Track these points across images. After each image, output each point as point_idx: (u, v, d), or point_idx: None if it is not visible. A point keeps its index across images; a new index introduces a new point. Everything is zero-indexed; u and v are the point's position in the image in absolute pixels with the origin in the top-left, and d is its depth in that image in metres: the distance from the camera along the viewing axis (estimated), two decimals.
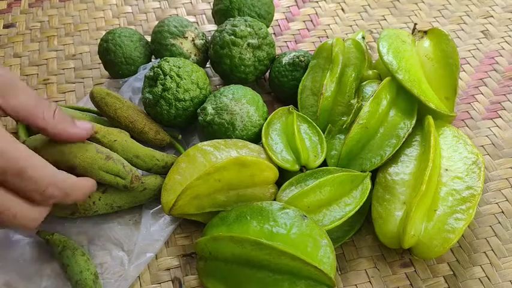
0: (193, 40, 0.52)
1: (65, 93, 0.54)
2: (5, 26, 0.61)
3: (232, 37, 0.49)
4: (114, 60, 0.51)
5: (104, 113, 0.47)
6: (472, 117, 0.52)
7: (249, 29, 0.49)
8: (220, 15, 0.55)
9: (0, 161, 0.31)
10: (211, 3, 0.58)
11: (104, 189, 0.42)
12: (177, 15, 0.62)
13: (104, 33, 0.56)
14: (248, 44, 0.49)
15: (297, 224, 0.37)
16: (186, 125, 0.48)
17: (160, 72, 0.46)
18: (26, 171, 0.32)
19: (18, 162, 0.32)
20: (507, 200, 0.46)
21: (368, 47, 0.56)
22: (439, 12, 0.63)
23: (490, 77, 0.56)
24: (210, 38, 0.53)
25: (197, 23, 0.62)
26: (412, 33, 0.51)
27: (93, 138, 0.42)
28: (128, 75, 0.52)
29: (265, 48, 0.50)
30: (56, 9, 0.63)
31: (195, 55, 0.52)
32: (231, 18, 0.51)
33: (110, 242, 0.42)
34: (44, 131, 0.37)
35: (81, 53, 0.58)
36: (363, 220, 0.43)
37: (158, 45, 0.51)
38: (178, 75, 0.46)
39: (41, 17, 0.62)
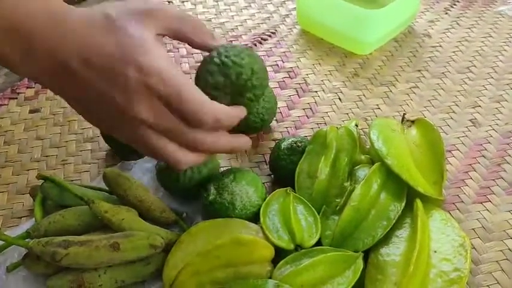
0: None
1: (80, 173, 0.58)
2: (31, 111, 0.67)
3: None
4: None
5: (114, 192, 0.50)
6: (462, 201, 0.55)
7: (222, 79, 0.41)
8: None
9: (163, 87, 0.36)
10: None
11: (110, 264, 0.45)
12: None
13: None
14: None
15: None
16: (197, 192, 0.51)
17: None
18: (182, 95, 0.36)
19: (178, 87, 0.36)
20: (498, 282, 0.47)
21: (362, 133, 0.61)
22: (429, 102, 0.68)
23: (479, 162, 0.59)
24: None
25: None
26: (402, 122, 0.56)
27: (103, 217, 0.46)
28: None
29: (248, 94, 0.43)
30: None
31: None
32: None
33: None
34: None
35: (98, 136, 0.63)
36: None
37: None
38: None
39: (65, 103, 0.68)
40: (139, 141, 0.39)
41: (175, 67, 0.37)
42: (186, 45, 0.78)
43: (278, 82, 0.72)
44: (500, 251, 0.50)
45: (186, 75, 0.37)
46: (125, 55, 0.35)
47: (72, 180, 0.57)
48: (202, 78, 0.41)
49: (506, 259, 0.49)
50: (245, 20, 0.86)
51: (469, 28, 0.82)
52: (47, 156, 0.61)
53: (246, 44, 0.79)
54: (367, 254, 0.46)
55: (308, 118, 0.66)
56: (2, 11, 0.35)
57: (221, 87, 0.41)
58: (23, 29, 0.35)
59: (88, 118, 0.41)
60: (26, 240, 0.46)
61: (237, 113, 0.41)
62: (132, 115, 0.37)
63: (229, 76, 0.41)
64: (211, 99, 0.39)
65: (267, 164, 0.59)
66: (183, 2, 0.91)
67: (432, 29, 0.82)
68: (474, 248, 0.50)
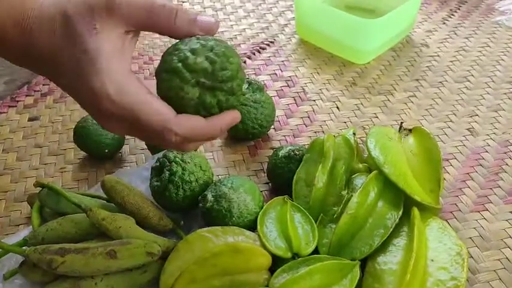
0: None
1: (78, 180, 0.58)
2: (30, 119, 0.68)
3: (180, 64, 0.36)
4: None
5: (112, 200, 0.50)
6: (460, 210, 0.55)
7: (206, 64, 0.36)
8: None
9: (116, 111, 0.35)
10: None
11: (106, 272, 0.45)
12: None
13: None
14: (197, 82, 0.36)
15: None
16: (192, 208, 0.52)
17: (166, 160, 0.51)
18: (139, 120, 0.35)
19: (132, 111, 0.35)
20: None
21: (360, 142, 0.61)
22: (427, 111, 0.68)
23: (476, 171, 0.59)
24: None
25: None
26: (399, 130, 0.56)
27: (100, 225, 0.46)
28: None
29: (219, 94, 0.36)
30: (78, 105, 0.69)
31: None
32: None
33: None
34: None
35: None
36: None
37: None
38: (182, 161, 0.51)
39: (64, 111, 0.69)
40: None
41: (132, 82, 0.35)
42: None
43: (276, 91, 0.72)
44: (498, 260, 0.50)
45: (141, 91, 0.35)
46: (81, 71, 0.34)
47: (70, 188, 0.57)
48: (172, 46, 0.37)
49: (504, 268, 0.49)
50: (244, 29, 0.86)
51: (466, 38, 0.83)
52: (45, 164, 0.61)
53: (245, 53, 0.80)
54: (364, 263, 0.46)
55: (306, 127, 0.66)
56: None
57: (192, 52, 0.36)
58: None
59: None
60: (23, 247, 0.45)
61: (210, 126, 0.37)
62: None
63: (204, 40, 0.36)
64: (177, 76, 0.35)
65: (264, 172, 0.59)
66: None
67: (430, 38, 0.83)
68: (471, 256, 0.50)
